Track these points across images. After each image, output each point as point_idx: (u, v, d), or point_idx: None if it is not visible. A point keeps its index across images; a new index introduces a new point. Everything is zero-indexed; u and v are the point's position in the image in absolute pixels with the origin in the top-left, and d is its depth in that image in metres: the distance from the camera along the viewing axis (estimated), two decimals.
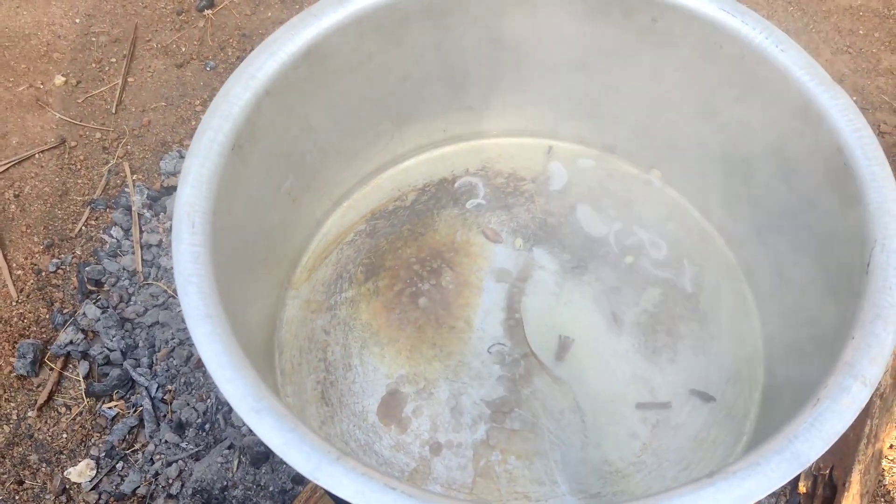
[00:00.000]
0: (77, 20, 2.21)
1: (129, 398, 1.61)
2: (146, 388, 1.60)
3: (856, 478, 1.41)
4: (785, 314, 1.25)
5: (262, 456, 1.51)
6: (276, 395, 0.89)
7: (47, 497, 1.52)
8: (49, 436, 1.59)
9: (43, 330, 1.71)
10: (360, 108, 1.34)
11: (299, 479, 1.51)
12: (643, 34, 1.25)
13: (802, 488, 1.47)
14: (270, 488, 1.50)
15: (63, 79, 2.08)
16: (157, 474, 1.52)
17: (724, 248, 1.40)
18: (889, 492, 1.51)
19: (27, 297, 1.75)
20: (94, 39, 2.17)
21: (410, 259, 1.38)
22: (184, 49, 2.16)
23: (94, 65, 2.12)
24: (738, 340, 1.31)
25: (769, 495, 1.47)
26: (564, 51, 1.33)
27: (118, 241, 1.79)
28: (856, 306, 0.93)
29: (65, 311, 1.72)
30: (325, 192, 1.42)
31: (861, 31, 2.21)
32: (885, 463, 1.53)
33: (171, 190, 1.85)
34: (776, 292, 1.27)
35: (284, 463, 1.54)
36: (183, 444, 1.54)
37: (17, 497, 1.53)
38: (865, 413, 1.48)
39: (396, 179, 1.49)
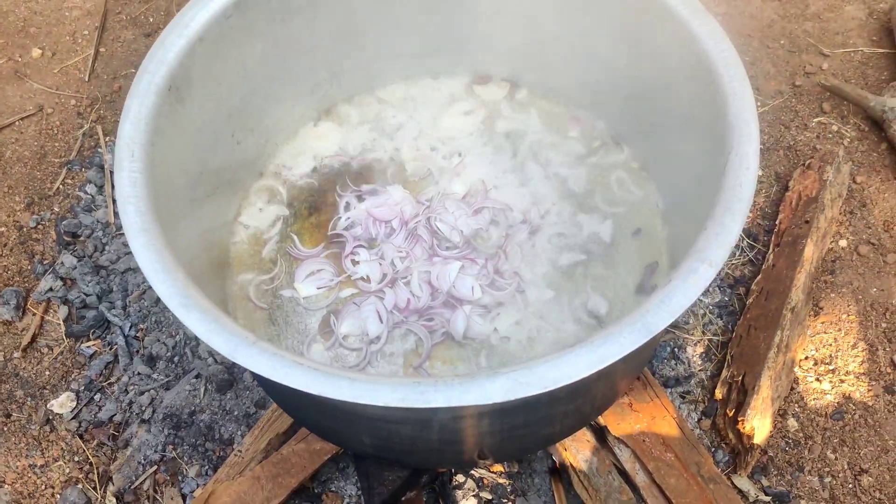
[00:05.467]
0: None
1: (105, 337, 1.75)
2: (120, 327, 1.74)
3: (765, 383, 1.55)
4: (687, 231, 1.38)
5: (227, 383, 1.65)
6: (204, 295, 1.02)
7: (33, 427, 1.67)
8: (33, 374, 1.74)
9: (25, 279, 1.85)
10: (296, 57, 1.47)
11: (262, 404, 1.65)
12: None
13: (719, 395, 1.61)
14: (235, 412, 1.64)
15: (39, 51, 2.21)
16: (130, 403, 1.66)
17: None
18: (802, 398, 1.63)
19: (10, 251, 1.89)
20: (67, 14, 2.31)
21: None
22: (151, 20, 2.29)
23: (67, 37, 2.25)
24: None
25: (689, 402, 1.61)
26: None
27: (93, 196, 1.93)
28: (712, 202, 1.06)
29: (45, 261, 1.86)
30: (269, 136, 1.55)
31: None
32: (799, 372, 1.66)
33: None
34: (679, 209, 1.40)
35: (248, 390, 1.69)
36: (154, 376, 1.68)
37: (5, 429, 1.68)
38: (776, 325, 1.61)
39: (339, 126, 1.62)
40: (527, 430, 1.18)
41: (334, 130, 1.61)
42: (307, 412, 1.29)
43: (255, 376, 1.46)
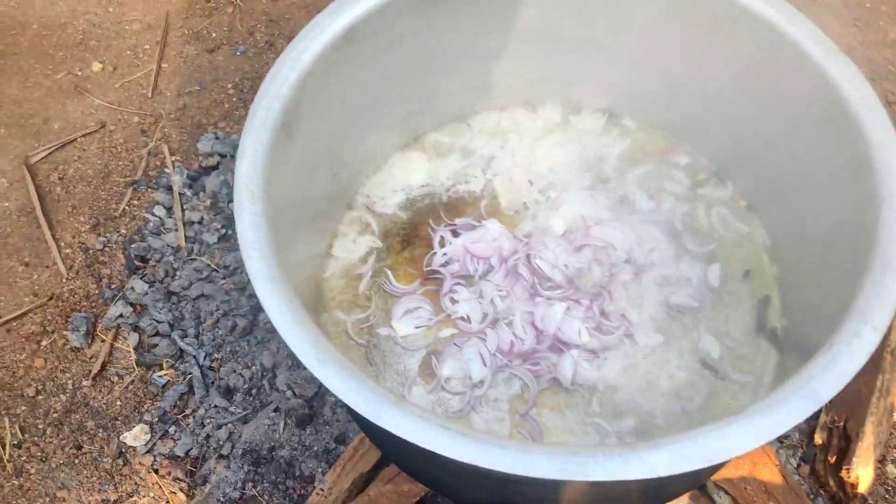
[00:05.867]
0: (111, 9, 2.30)
1: (178, 367, 1.71)
2: (194, 356, 1.69)
3: (869, 429, 1.50)
4: (802, 271, 1.33)
5: (307, 417, 1.61)
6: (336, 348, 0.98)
7: (105, 460, 1.62)
8: (104, 403, 1.69)
9: (93, 304, 1.80)
10: (392, 86, 1.42)
11: (342, 439, 1.60)
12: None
13: (818, 440, 1.56)
14: (315, 448, 1.60)
15: (100, 65, 2.17)
16: (207, 437, 1.62)
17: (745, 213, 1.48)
18: None
19: (76, 273, 1.84)
20: (127, 27, 2.26)
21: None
22: (214, 34, 2.24)
23: (128, 51, 2.21)
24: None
25: (787, 447, 1.56)
26: (580, 26, 1.41)
27: (161, 219, 1.88)
28: (866, 259, 1.01)
29: (113, 286, 1.81)
30: (360, 167, 1.50)
31: (868, 5, 2.27)
32: None
33: (208, 170, 1.94)
34: (794, 249, 1.35)
35: (328, 424, 1.64)
36: (231, 409, 1.64)
37: (76, 461, 1.63)
38: (877, 368, 1.56)
39: (429, 157, 1.57)
40: (655, 492, 1.14)
41: (425, 160, 1.56)
42: (421, 465, 1.24)
43: (355, 417, 1.41)
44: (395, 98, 1.46)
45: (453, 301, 1.39)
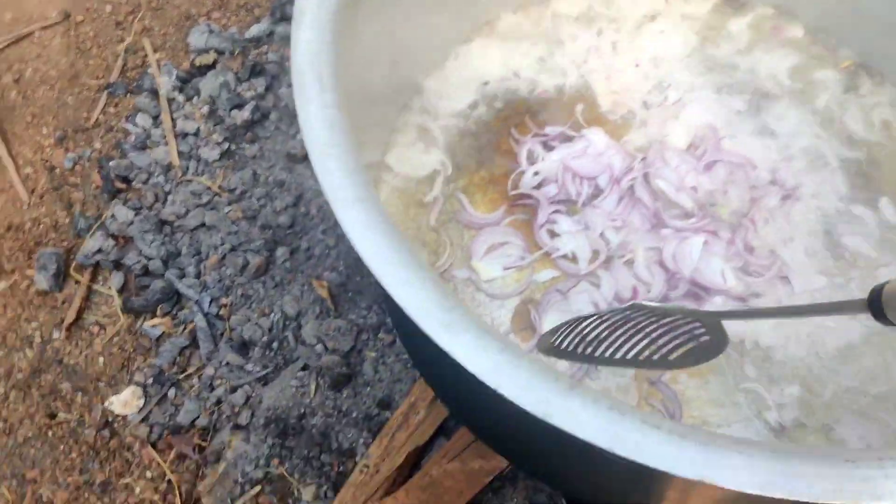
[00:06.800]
0: None
1: (176, 314, 1.36)
2: (196, 301, 1.35)
3: None
4: None
5: (343, 377, 1.29)
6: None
7: (87, 432, 1.29)
8: (82, 360, 1.35)
9: (63, 237, 1.44)
10: None
11: (386, 404, 1.29)
12: None
13: None
14: (354, 414, 1.28)
15: None
16: (219, 402, 1.29)
17: None
18: None
19: (40, 198, 1.47)
20: None
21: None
22: None
23: None
24: None
25: None
26: None
27: (146, 130, 1.51)
28: None
29: (88, 213, 1.45)
30: (425, 56, 1.15)
31: None
32: None
33: (203, 70, 1.56)
34: None
35: (368, 385, 1.32)
36: (248, 367, 1.31)
37: (49, 433, 1.30)
38: None
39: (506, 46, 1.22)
40: None
41: (501, 49, 1.21)
42: (520, 442, 0.93)
43: (442, 391, 1.10)
44: None
45: (552, 234, 1.07)
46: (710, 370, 1.00)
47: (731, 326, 0.98)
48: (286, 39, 1.58)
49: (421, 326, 0.62)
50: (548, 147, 1.13)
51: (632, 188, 1.08)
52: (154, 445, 1.27)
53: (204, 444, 1.27)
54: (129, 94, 1.56)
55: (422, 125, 1.15)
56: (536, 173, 1.10)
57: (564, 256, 1.05)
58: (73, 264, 1.41)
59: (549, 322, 1.01)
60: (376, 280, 0.64)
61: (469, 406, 1.01)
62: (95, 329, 1.37)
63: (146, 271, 1.39)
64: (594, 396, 0.60)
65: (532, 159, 1.12)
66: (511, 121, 1.16)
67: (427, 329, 0.62)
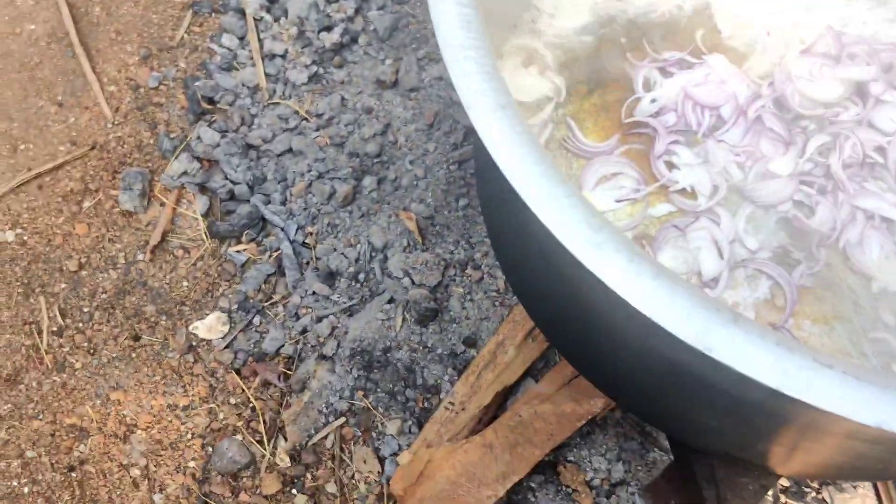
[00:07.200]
0: None
1: (262, 241, 1.33)
2: (282, 228, 1.31)
3: None
4: None
5: (430, 312, 1.24)
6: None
7: (171, 355, 1.27)
8: (166, 284, 1.32)
9: (148, 158, 1.41)
10: None
11: (472, 341, 1.25)
12: None
13: None
14: (439, 350, 1.24)
15: None
16: (304, 331, 1.26)
17: None
18: None
19: (124, 117, 1.44)
20: None
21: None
22: None
23: None
24: None
25: None
26: None
27: (232, 51, 1.46)
28: None
29: (172, 134, 1.41)
30: None
31: None
32: None
33: None
34: None
35: (455, 322, 1.28)
36: (334, 297, 1.27)
37: (133, 355, 1.28)
38: None
39: None
40: None
41: None
42: (634, 378, 0.87)
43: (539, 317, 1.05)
44: None
45: (670, 166, 1.00)
46: (835, 317, 0.93)
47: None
48: None
49: (566, 245, 0.56)
50: (666, 73, 1.05)
51: (759, 116, 1.00)
52: (238, 372, 1.25)
53: (289, 372, 1.24)
54: (214, 13, 1.52)
55: (531, 47, 1.08)
56: (654, 100, 1.02)
57: (682, 190, 0.98)
58: (158, 186, 1.38)
59: (664, 259, 0.95)
60: (506, 197, 0.59)
61: (581, 337, 0.95)
62: (180, 252, 1.34)
63: (232, 196, 1.35)
64: (760, 330, 0.54)
65: (648, 86, 1.04)
66: (626, 45, 1.08)
67: (573, 249, 0.56)
